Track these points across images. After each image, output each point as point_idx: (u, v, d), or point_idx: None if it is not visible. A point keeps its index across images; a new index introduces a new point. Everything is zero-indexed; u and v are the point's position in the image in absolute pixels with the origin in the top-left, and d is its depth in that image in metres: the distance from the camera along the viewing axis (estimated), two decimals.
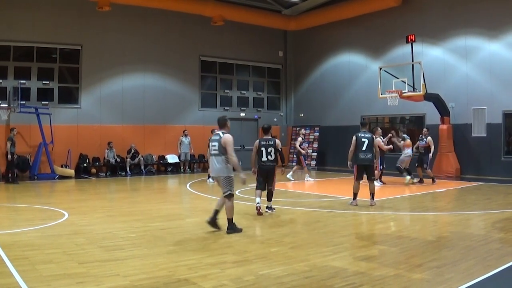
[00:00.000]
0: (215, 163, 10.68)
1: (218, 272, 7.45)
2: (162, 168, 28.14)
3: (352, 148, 14.63)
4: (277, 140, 13.74)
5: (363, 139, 14.52)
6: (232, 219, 10.65)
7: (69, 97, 25.78)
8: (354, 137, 14.74)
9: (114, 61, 26.57)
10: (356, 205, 14.40)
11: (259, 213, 12.94)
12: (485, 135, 23.26)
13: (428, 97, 22.77)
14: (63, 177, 23.06)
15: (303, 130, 24.90)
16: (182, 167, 27.13)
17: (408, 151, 20.44)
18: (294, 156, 25.40)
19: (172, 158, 27.85)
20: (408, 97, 22.95)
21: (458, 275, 7.30)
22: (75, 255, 8.44)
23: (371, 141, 14.52)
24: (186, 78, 29.37)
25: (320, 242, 9.63)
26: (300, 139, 22.75)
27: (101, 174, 25.33)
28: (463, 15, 24.13)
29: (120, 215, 12.83)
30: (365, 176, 14.74)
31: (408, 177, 20.22)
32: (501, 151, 22.94)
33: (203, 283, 6.91)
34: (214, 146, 10.63)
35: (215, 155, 10.65)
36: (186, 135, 26.25)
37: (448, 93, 23.97)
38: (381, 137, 20.23)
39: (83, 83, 25.82)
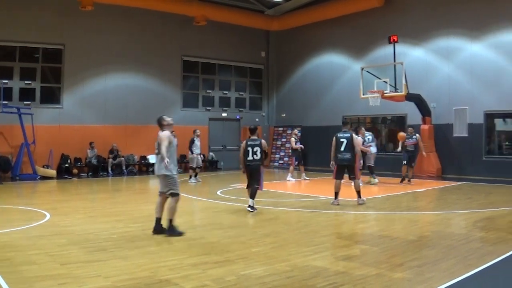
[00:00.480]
0: (156, 162, 10.75)
1: (200, 273, 7.41)
2: (143, 168, 27.97)
3: (332, 148, 14.83)
4: (263, 141, 13.99)
5: (341, 139, 14.65)
6: (172, 220, 10.35)
7: (51, 97, 25.53)
8: (334, 137, 14.91)
9: (97, 61, 26.36)
10: (338, 204, 14.36)
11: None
12: (467, 135, 23.37)
13: (409, 97, 22.83)
14: (45, 178, 22.87)
15: (295, 130, 24.85)
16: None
17: (372, 149, 20.64)
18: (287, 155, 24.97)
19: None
20: (390, 98, 22.99)
21: (439, 274, 7.28)
22: (57, 256, 8.35)
23: (350, 141, 14.57)
24: (168, 78, 29.25)
25: (301, 242, 9.59)
26: (293, 139, 22.74)
27: (82, 174, 25.11)
28: (445, 16, 24.23)
29: (102, 216, 12.72)
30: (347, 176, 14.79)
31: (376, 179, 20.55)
32: (482, 151, 23.04)
33: (184, 283, 6.87)
34: (156, 145, 10.89)
35: (156, 154, 10.77)
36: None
37: (430, 93, 24.05)
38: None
39: (66, 83, 25.58)
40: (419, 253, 8.72)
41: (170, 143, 10.35)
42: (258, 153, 13.59)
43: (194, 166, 21.63)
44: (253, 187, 13.65)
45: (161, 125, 10.76)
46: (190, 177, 21.25)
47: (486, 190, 18.13)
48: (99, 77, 26.61)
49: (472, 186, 19.68)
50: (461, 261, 7.99)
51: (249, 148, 13.63)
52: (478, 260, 8.02)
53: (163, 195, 10.55)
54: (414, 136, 20.50)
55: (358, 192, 14.73)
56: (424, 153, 20.79)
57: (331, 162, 14.91)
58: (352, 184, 15.08)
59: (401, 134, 20.78)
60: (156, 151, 10.74)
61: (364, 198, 14.91)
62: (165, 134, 10.47)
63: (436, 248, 9.06)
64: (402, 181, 20.49)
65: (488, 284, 7.07)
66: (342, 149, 14.54)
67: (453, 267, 7.66)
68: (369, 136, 20.63)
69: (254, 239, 9.94)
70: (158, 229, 10.34)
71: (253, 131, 14.02)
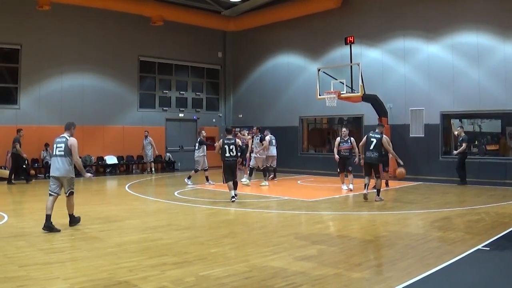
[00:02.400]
0: (59, 163, 11.21)
1: (159, 274, 7.35)
2: (101, 169, 27.58)
3: (360, 146, 16.36)
4: (237, 140, 16.48)
5: (371, 139, 15.63)
6: (73, 214, 11.40)
7: (8, 97, 25.06)
8: (365, 137, 16.20)
9: (54, 61, 25.92)
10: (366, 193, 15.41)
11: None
12: (423, 135, 23.55)
13: (366, 98, 22.92)
14: (1, 179, 22.41)
15: (245, 131, 24.53)
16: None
17: (272, 151, 21.41)
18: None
19: (110, 159, 27.41)
20: (347, 98, 23.07)
21: (397, 273, 7.28)
22: (15, 258, 8.23)
23: (379, 142, 15.46)
24: (124, 78, 28.90)
25: (259, 243, 9.54)
26: (239, 141, 22.59)
27: (40, 175, 24.69)
28: (401, 17, 24.44)
29: (59, 217, 12.44)
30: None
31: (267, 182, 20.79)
32: (438, 151, 23.25)
33: (143, 285, 6.82)
34: (60, 147, 11.44)
35: (60, 156, 11.31)
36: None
37: (386, 94, 24.19)
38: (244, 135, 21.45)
39: (22, 83, 25.07)
40: (378, 253, 8.73)
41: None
42: (234, 150, 15.68)
43: (199, 168, 21.07)
44: (235, 180, 15.59)
45: (69, 130, 12.00)
46: (207, 179, 20.82)
47: (443, 190, 18.29)
48: (56, 77, 26.13)
49: (429, 186, 19.85)
50: (420, 261, 7.99)
51: (226, 146, 15.64)
52: (437, 259, 8.02)
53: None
54: (349, 140, 18.49)
55: (378, 191, 15.59)
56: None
57: (359, 160, 16.73)
58: (375, 182, 15.68)
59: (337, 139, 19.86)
60: (60, 153, 11.41)
61: (383, 198, 15.59)
62: (76, 141, 11.68)
63: (394, 248, 9.06)
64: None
65: (447, 284, 7.04)
66: (371, 148, 15.48)
67: (411, 266, 7.66)
68: (272, 139, 21.51)
69: (212, 240, 9.91)
70: (47, 227, 10.69)
71: (229, 131, 16.81)
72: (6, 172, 22.97)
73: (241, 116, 32.87)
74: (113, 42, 28.17)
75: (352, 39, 23.31)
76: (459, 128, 20.26)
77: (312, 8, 27.33)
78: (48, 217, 10.69)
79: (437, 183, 20.80)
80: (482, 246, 8.91)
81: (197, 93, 32.69)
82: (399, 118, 24.08)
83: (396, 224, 11.56)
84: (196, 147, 21.15)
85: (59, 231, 10.58)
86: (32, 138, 24.64)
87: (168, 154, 30.15)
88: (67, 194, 11.20)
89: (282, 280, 6.98)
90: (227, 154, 15.57)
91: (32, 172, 24.58)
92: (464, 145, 19.21)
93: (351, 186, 18.31)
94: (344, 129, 18.94)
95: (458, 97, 22.52)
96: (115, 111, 28.19)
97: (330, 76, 23.63)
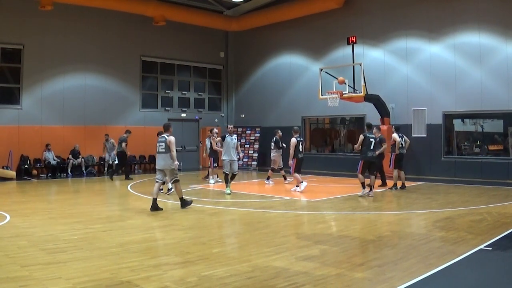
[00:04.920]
0: (162, 159, 13.82)
1: (161, 274, 7.34)
2: (103, 169, 27.57)
3: (359, 145, 16.87)
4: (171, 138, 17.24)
5: (371, 139, 16.65)
6: (182, 197, 14.03)
7: (10, 97, 25.04)
8: (362, 136, 16.85)
9: (56, 61, 25.92)
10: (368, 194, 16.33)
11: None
12: (425, 135, 23.54)
13: (368, 98, 22.91)
14: (4, 179, 22.43)
15: (215, 129, 23.95)
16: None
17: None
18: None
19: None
20: (349, 98, 23.05)
21: (399, 273, 7.27)
22: (18, 258, 8.21)
23: (377, 141, 17.00)
24: (127, 78, 28.91)
25: (262, 243, 9.52)
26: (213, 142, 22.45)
27: (42, 175, 24.70)
28: (403, 17, 24.42)
29: (61, 217, 12.51)
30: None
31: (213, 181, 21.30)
32: (441, 151, 23.23)
33: (145, 285, 6.80)
34: (161, 146, 13.79)
35: (162, 152, 13.78)
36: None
37: (389, 94, 24.19)
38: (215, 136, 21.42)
39: (25, 83, 25.07)
40: (380, 253, 8.71)
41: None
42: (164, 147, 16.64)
43: (276, 167, 21.08)
44: (234, 174, 17.71)
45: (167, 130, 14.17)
46: (285, 178, 20.80)
47: (445, 190, 18.26)
48: (58, 77, 26.14)
49: (431, 186, 19.80)
50: (422, 261, 7.97)
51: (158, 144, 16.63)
52: (439, 259, 8.00)
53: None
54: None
55: (371, 187, 16.58)
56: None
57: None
58: (370, 178, 16.67)
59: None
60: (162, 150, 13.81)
61: (372, 194, 16.46)
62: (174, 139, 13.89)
63: (396, 248, 9.04)
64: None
65: (449, 284, 7.03)
66: (371, 147, 16.53)
67: (413, 266, 7.64)
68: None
69: (214, 240, 9.95)
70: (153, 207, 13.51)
71: (166, 128, 16.27)
72: (8, 172, 23.02)
73: (243, 116, 32.86)
74: (115, 42, 28.18)
75: (354, 39, 23.27)
76: (374, 129, 19.92)
77: (314, 8, 27.30)
78: (154, 200, 13.55)
79: (439, 183, 20.76)
80: (485, 246, 8.90)
81: (199, 93, 32.68)
82: (401, 118, 24.04)
83: (398, 224, 11.57)
84: (272, 147, 21.27)
85: (161, 209, 13.51)
86: (34, 138, 24.78)
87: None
88: (172, 182, 14.06)
89: (284, 280, 6.97)
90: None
91: (35, 172, 24.57)
92: (384, 145, 18.48)
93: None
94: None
95: (460, 97, 22.52)
96: (117, 111, 28.19)
97: (333, 76, 23.60)
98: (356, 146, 17.27)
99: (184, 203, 13.95)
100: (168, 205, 14.88)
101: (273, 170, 20.85)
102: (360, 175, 16.59)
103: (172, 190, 16.54)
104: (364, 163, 16.53)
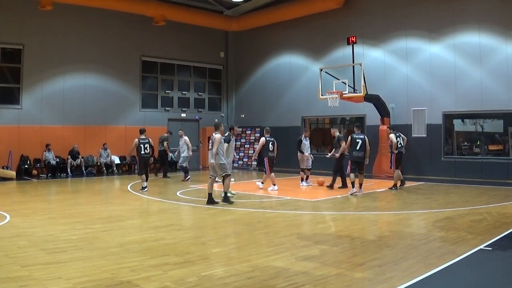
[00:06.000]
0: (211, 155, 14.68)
1: (161, 274, 7.33)
2: (103, 169, 27.53)
3: (347, 146, 17.91)
4: (149, 139, 18.70)
5: (357, 140, 17.41)
6: (227, 192, 14.79)
7: (10, 97, 25.02)
8: (349, 137, 17.86)
9: (56, 61, 25.91)
10: (357, 194, 17.02)
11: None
12: (425, 135, 23.54)
13: (368, 98, 22.94)
14: (4, 179, 22.42)
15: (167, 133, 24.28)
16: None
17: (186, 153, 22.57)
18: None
19: (117, 159, 27.41)
20: (349, 98, 23.08)
21: (399, 273, 7.27)
22: (18, 258, 8.21)
23: (363, 142, 17.36)
24: (127, 78, 28.90)
25: (261, 243, 9.55)
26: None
27: (42, 175, 24.68)
28: (403, 17, 24.44)
29: (61, 217, 12.51)
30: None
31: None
32: (441, 152, 23.24)
33: (145, 285, 6.80)
34: (211, 143, 14.76)
35: (210, 149, 14.85)
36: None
37: (389, 94, 24.20)
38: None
39: (25, 83, 25.06)
40: (380, 253, 8.70)
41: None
42: (148, 148, 18.28)
43: (304, 167, 20.91)
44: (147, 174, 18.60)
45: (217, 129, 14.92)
46: (302, 179, 20.42)
47: (445, 190, 18.27)
48: (58, 77, 26.13)
49: (431, 186, 19.82)
50: (422, 261, 7.97)
51: (141, 145, 18.18)
52: (439, 259, 8.01)
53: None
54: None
55: (360, 185, 17.48)
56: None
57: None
58: (359, 177, 17.58)
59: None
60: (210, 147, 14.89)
61: (358, 193, 17.12)
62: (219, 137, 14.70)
63: (396, 248, 9.04)
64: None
65: (449, 284, 7.03)
66: (357, 148, 17.26)
67: (413, 266, 7.65)
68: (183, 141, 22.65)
69: (214, 240, 9.95)
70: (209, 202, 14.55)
71: (142, 131, 18.73)
72: (8, 172, 23.01)
73: (243, 116, 32.85)
74: (115, 42, 28.18)
75: (354, 39, 23.29)
76: (333, 128, 19.82)
77: (315, 8, 27.31)
78: (209, 195, 14.61)
79: (439, 183, 20.77)
80: (485, 246, 8.91)
81: (199, 93, 32.69)
82: (401, 118, 24.06)
83: (398, 224, 11.57)
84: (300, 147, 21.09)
85: (217, 203, 14.47)
86: (34, 138, 24.77)
87: (170, 154, 30.09)
88: (223, 176, 14.65)
89: (284, 280, 6.97)
90: (142, 152, 18.22)
91: (35, 172, 24.57)
92: (343, 144, 18.43)
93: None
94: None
95: (460, 97, 22.53)
96: (117, 111, 28.18)
97: (332, 76, 23.65)
98: (345, 146, 18.20)
99: (226, 199, 14.63)
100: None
101: (303, 170, 20.55)
102: (352, 175, 17.40)
103: (146, 189, 18.01)
104: (352, 163, 17.58)
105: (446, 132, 23.40)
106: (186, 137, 22.91)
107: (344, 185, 18.70)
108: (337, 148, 18.60)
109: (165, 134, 25.00)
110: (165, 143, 24.18)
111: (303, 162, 20.06)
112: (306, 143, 20.03)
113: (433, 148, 23.37)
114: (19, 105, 25.02)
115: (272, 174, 18.69)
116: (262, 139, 18.80)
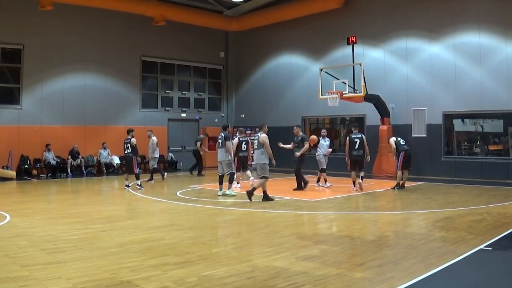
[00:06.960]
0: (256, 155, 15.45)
1: (161, 274, 7.31)
2: (103, 169, 27.51)
3: (346, 146, 18.53)
4: (133, 139, 19.20)
5: (355, 139, 18.09)
6: (266, 191, 15.33)
7: (10, 97, 25.03)
8: (347, 138, 18.64)
9: (56, 61, 25.91)
10: (357, 190, 17.86)
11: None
12: (425, 135, 23.54)
13: (368, 98, 22.93)
14: (4, 179, 22.43)
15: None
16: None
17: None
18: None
19: (117, 159, 27.37)
20: (349, 98, 23.08)
21: (399, 273, 7.26)
22: (18, 258, 8.21)
23: (361, 141, 18.00)
24: (127, 78, 28.90)
25: (262, 243, 9.52)
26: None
27: (42, 175, 24.69)
28: (403, 17, 24.44)
29: (61, 217, 12.51)
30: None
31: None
32: (441, 152, 23.24)
33: (145, 285, 6.80)
34: (255, 143, 15.53)
35: (255, 149, 15.60)
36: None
37: (389, 94, 24.20)
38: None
39: (25, 83, 25.07)
40: (380, 253, 8.69)
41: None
42: (130, 148, 18.83)
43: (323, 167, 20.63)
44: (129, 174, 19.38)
45: (261, 129, 15.74)
46: (318, 179, 20.03)
47: (445, 190, 18.26)
48: (58, 77, 26.14)
49: (431, 186, 19.80)
50: (422, 261, 7.96)
51: (124, 145, 19.02)
52: (439, 259, 8.00)
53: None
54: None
55: (362, 177, 18.11)
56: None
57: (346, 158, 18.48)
58: (361, 174, 18.26)
59: (314, 137, 19.38)
60: (255, 146, 15.56)
61: (354, 189, 17.92)
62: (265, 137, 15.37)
63: (396, 247, 9.05)
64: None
65: (449, 284, 7.03)
66: (356, 147, 17.92)
67: (413, 266, 7.64)
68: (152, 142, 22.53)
69: (214, 240, 9.99)
70: (249, 192, 15.27)
71: (128, 132, 19.41)
72: (8, 172, 23.02)
73: (243, 116, 32.84)
74: (115, 42, 28.17)
75: (354, 39, 23.29)
76: (295, 127, 19.39)
77: (315, 8, 27.31)
78: (264, 192, 15.28)
79: (439, 183, 20.76)
80: (485, 246, 8.90)
81: (199, 93, 32.70)
82: (401, 118, 24.07)
83: (398, 224, 11.56)
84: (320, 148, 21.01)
85: (273, 200, 15.31)
86: (34, 138, 24.79)
87: (170, 154, 30.15)
88: (261, 177, 15.29)
89: (284, 280, 6.96)
90: (125, 152, 19.12)
91: (35, 172, 24.57)
92: (306, 145, 18.12)
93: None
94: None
95: (460, 97, 22.53)
96: (117, 111, 28.18)
97: (332, 76, 23.65)
98: (307, 148, 18.39)
99: (266, 198, 15.26)
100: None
101: (322, 171, 20.21)
102: (353, 173, 18.06)
103: (130, 188, 18.53)
104: (352, 162, 18.19)
105: (446, 132, 23.38)
106: (154, 138, 22.44)
107: (299, 187, 18.31)
108: (300, 148, 18.28)
109: (201, 135, 26.67)
110: (198, 143, 25.34)
111: (321, 163, 19.77)
112: (324, 143, 19.74)
113: (433, 148, 23.36)
114: (19, 105, 25.02)
115: (238, 173, 19.36)
116: (236, 140, 19.52)
